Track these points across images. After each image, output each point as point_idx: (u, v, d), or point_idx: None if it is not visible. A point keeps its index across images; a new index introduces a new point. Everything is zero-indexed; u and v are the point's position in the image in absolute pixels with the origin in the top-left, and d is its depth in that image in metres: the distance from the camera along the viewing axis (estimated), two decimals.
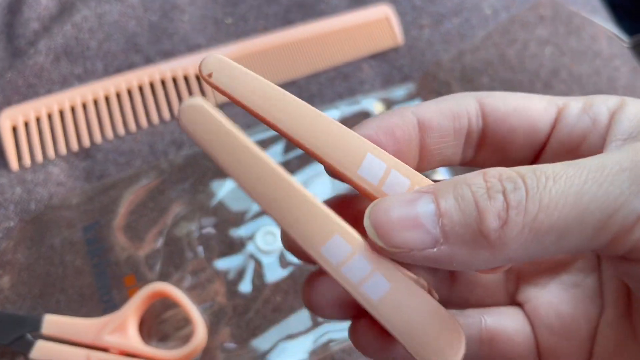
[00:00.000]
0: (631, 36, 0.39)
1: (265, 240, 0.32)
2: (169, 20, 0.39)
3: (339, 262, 0.15)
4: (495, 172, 0.15)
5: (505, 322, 0.18)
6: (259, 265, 0.32)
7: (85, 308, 0.31)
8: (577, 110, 0.18)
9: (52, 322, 0.29)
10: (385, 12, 0.39)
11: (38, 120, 0.36)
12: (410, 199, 0.15)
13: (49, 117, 0.36)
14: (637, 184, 0.14)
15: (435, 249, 0.14)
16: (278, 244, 0.32)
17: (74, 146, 0.35)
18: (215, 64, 0.16)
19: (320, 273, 0.17)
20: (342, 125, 0.16)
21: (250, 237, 0.32)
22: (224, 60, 0.16)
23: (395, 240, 0.14)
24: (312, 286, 0.17)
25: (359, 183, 0.16)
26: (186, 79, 0.37)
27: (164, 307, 0.31)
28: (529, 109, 0.18)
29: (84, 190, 0.34)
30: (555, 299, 0.18)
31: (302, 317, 0.30)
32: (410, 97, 0.36)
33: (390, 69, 0.38)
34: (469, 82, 0.37)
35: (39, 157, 0.35)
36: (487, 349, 0.18)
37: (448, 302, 0.19)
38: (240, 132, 0.15)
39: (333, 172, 0.17)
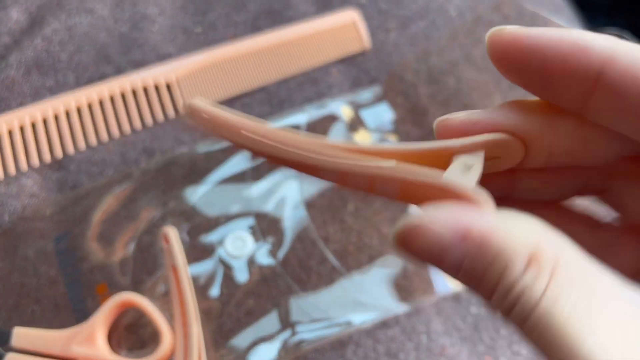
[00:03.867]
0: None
1: (234, 245, 0.32)
2: (138, 31, 0.39)
3: None
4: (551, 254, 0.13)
5: None
6: (229, 269, 0.32)
7: (60, 318, 0.31)
8: None
9: (21, 335, 0.29)
10: (352, 17, 0.39)
11: (10, 133, 0.36)
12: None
13: (21, 129, 0.36)
14: None
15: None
16: (247, 249, 0.32)
17: (47, 158, 0.36)
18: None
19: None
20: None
21: (220, 242, 0.32)
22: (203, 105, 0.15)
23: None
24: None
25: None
26: (157, 88, 0.37)
27: (140, 314, 0.31)
28: None
29: (56, 201, 0.34)
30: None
31: (272, 319, 0.31)
32: (377, 100, 0.37)
33: (358, 72, 0.39)
34: (435, 83, 0.37)
35: (12, 169, 0.35)
36: None
37: None
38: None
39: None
